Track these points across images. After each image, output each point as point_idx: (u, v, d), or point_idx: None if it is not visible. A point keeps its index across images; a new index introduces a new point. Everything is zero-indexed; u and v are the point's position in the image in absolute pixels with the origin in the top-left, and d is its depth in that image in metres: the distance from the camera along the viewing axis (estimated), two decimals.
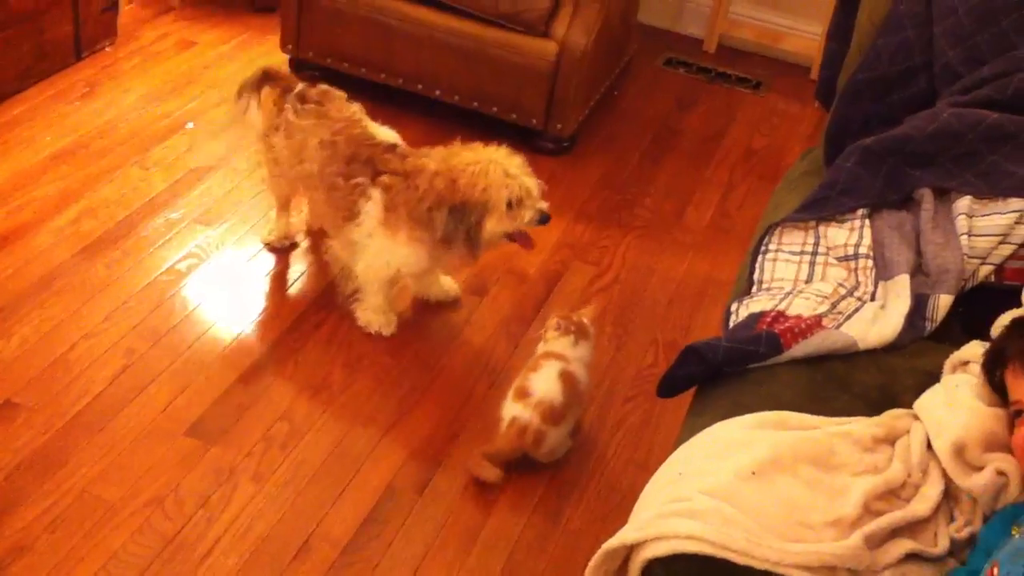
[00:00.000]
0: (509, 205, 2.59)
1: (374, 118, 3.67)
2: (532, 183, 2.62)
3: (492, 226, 2.61)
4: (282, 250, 3.06)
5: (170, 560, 2.17)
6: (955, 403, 1.68)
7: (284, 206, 3.03)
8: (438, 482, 2.43)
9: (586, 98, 3.74)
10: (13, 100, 3.48)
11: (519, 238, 2.69)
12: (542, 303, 3.02)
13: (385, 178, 2.67)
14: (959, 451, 1.62)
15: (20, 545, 2.15)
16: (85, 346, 2.62)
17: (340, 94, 2.89)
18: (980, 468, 1.61)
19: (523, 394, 2.45)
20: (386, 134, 2.83)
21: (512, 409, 2.45)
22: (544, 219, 2.66)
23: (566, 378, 2.47)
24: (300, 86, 2.88)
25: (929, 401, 1.74)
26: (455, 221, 2.60)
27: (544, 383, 2.45)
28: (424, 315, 2.92)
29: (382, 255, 2.71)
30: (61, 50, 3.65)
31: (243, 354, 2.69)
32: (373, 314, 2.80)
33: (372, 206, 2.67)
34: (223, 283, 2.91)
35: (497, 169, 2.58)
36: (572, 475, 2.51)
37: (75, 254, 2.90)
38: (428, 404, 2.64)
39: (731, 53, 4.60)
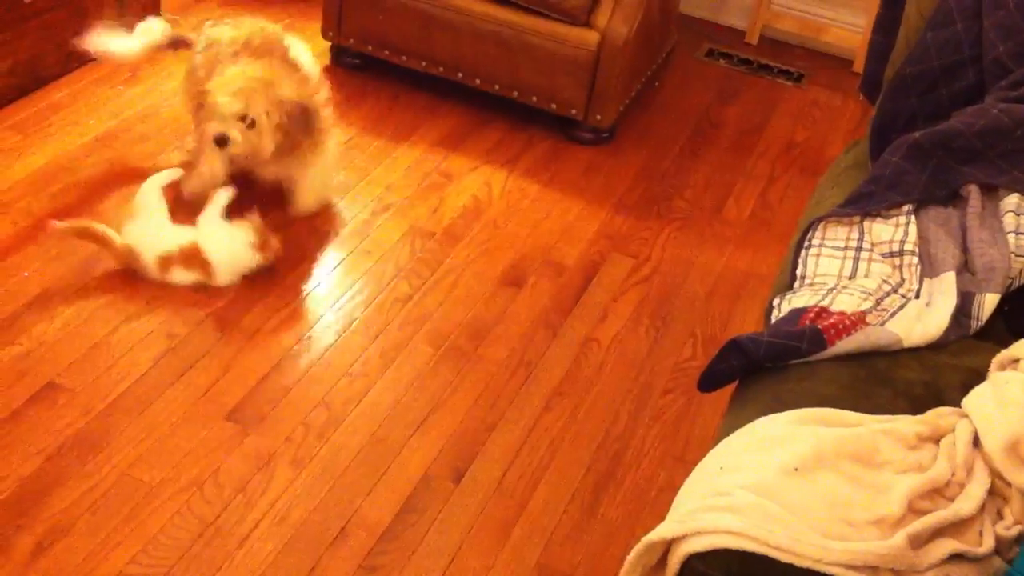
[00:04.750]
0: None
1: (413, 107, 3.71)
2: (225, 101, 2.80)
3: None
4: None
5: (208, 544, 2.18)
6: (1006, 400, 1.66)
7: None
8: (475, 472, 2.44)
9: (626, 89, 3.72)
10: (57, 83, 3.51)
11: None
12: (580, 294, 3.01)
13: None
14: (1013, 447, 1.60)
15: (61, 526, 2.17)
16: (126, 329, 2.64)
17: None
18: None
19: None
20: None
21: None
22: (219, 139, 2.83)
23: None
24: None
25: (978, 398, 1.72)
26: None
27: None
28: (462, 304, 2.92)
29: None
30: None
31: (282, 339, 2.70)
32: None
33: None
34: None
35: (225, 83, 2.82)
36: (608, 467, 2.50)
37: None
38: (465, 394, 2.64)
39: (773, 45, 4.56)
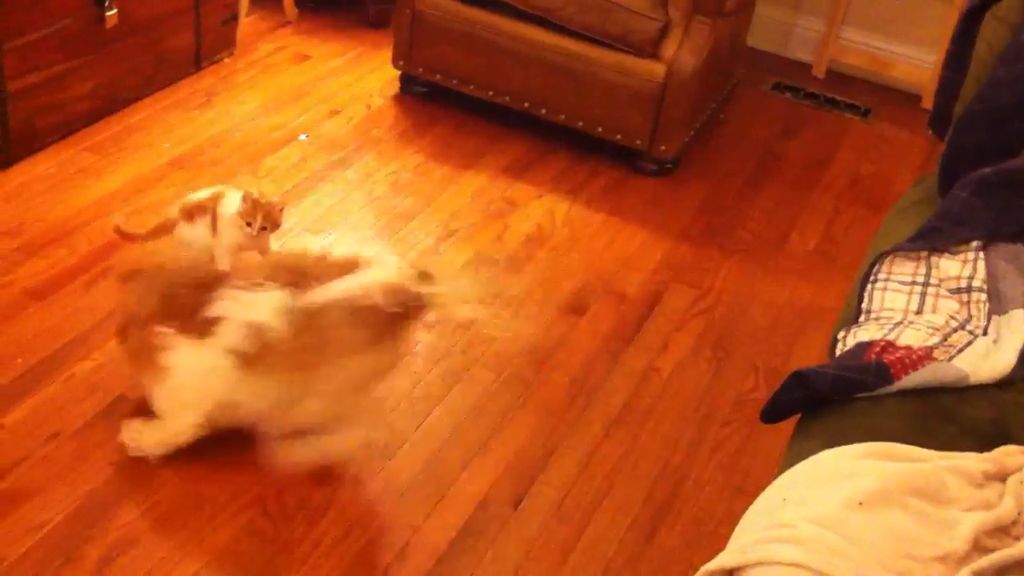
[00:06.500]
0: None
1: (479, 135, 3.76)
2: None
3: None
4: None
5: (270, 561, 2.21)
6: None
7: None
8: (533, 497, 2.45)
9: (691, 121, 3.73)
10: (134, 107, 3.60)
11: None
12: (642, 323, 3.02)
13: None
14: None
15: (127, 538, 2.22)
16: None
17: None
18: None
19: None
20: None
21: None
22: None
23: None
24: None
25: None
26: None
27: None
28: (523, 330, 2.94)
29: None
30: (182, 60, 3.77)
31: None
32: None
33: None
34: None
35: None
36: (667, 497, 2.50)
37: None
38: (525, 420, 2.65)
39: (840, 79, 4.55)
